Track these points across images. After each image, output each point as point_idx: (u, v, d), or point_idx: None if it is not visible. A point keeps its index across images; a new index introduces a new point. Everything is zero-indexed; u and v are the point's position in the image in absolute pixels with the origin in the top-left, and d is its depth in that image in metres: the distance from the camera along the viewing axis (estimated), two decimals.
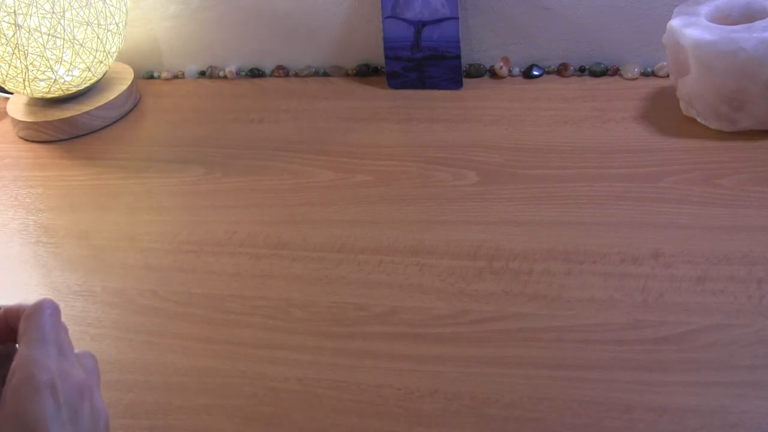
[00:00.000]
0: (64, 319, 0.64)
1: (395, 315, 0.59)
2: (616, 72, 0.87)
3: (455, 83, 0.89)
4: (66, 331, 0.44)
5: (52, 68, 0.87)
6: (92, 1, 0.87)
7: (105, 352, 0.60)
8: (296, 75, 0.99)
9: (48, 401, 0.40)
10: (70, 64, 0.88)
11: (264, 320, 0.61)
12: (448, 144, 0.79)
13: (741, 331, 0.54)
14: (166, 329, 0.61)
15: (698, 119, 0.76)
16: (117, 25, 0.91)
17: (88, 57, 0.88)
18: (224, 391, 0.55)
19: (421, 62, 0.89)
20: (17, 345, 0.42)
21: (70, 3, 0.85)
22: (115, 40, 0.91)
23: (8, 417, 0.39)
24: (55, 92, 0.91)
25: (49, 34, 0.84)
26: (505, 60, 0.91)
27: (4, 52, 0.85)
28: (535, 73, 0.89)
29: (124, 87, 0.95)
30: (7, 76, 0.88)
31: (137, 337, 0.61)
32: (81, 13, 0.86)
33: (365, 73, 0.96)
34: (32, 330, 0.43)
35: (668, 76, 0.83)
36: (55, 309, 0.44)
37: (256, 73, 1.00)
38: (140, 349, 0.60)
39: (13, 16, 0.83)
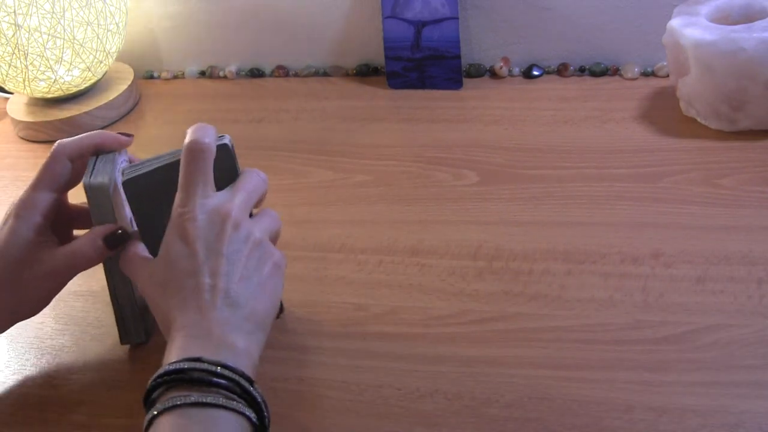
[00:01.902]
0: (63, 318, 0.64)
1: (395, 315, 0.59)
2: (616, 72, 0.87)
3: (455, 83, 0.89)
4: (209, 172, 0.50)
5: (52, 68, 0.87)
6: (92, 1, 0.87)
7: (105, 352, 0.60)
8: (296, 75, 0.99)
9: (188, 226, 0.48)
10: (70, 64, 0.88)
11: None
12: (448, 144, 0.79)
13: (741, 331, 0.54)
14: None
15: (698, 119, 0.76)
16: (117, 25, 0.91)
17: (88, 57, 0.88)
18: None
19: (421, 62, 0.89)
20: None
21: (70, 3, 0.85)
22: (115, 40, 0.91)
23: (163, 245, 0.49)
24: (55, 92, 0.91)
25: (49, 34, 0.84)
26: (505, 60, 0.91)
27: (4, 52, 0.85)
28: (535, 73, 0.89)
29: (124, 87, 0.95)
30: (7, 76, 0.88)
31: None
32: (81, 13, 0.86)
33: (365, 73, 0.96)
34: (182, 174, 0.50)
35: (668, 76, 0.83)
36: (204, 152, 0.50)
37: (256, 73, 1.00)
38: (140, 349, 0.60)
39: (13, 16, 0.83)
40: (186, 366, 0.43)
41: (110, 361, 0.59)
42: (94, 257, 0.54)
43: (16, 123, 0.93)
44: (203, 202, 0.49)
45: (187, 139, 0.50)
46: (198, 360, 0.43)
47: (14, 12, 0.82)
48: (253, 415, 0.43)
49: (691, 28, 0.72)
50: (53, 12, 0.84)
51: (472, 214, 0.69)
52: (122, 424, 0.54)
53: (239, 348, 0.45)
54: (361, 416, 0.52)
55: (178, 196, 0.50)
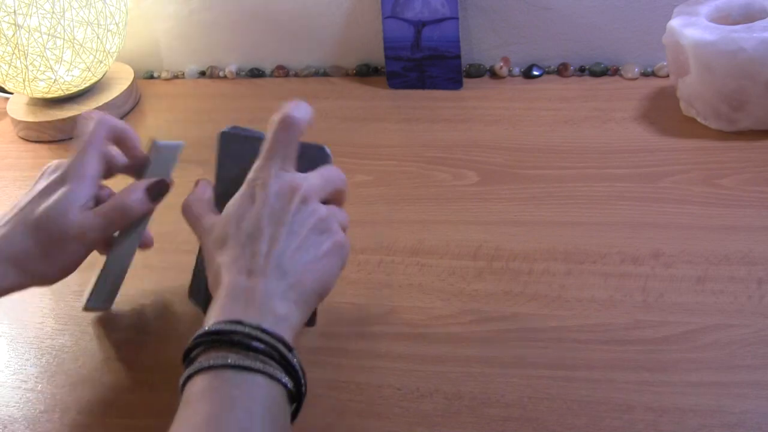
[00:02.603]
0: (63, 318, 0.64)
1: (395, 315, 0.59)
2: (616, 72, 0.87)
3: (455, 83, 0.89)
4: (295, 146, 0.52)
5: (52, 68, 0.87)
6: (92, 1, 0.87)
7: (105, 352, 0.60)
8: (296, 75, 0.99)
9: (259, 192, 0.49)
10: (70, 64, 0.88)
11: None
12: (448, 144, 0.79)
13: (741, 331, 0.54)
14: (166, 329, 0.61)
15: (698, 119, 0.76)
16: (117, 25, 0.91)
17: (88, 57, 0.88)
18: None
19: (421, 62, 0.89)
20: None
21: (70, 3, 0.85)
22: (115, 40, 0.91)
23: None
24: (55, 92, 0.91)
25: (49, 34, 0.84)
26: (505, 60, 0.91)
27: (4, 52, 0.85)
28: (535, 73, 0.89)
29: (124, 87, 0.95)
30: (7, 76, 0.88)
31: (137, 337, 0.61)
32: (81, 13, 0.86)
33: (365, 73, 0.96)
34: (266, 141, 0.52)
35: (668, 76, 0.83)
36: (292, 125, 0.51)
37: (256, 73, 1.00)
38: (140, 349, 0.60)
39: (13, 16, 0.83)
40: (226, 328, 0.43)
41: (110, 361, 0.59)
42: (136, 209, 0.56)
43: (16, 123, 0.93)
44: (279, 174, 0.50)
45: (281, 111, 0.52)
46: (238, 323, 0.43)
47: (14, 12, 0.82)
48: (289, 383, 0.43)
49: (691, 28, 0.72)
50: (53, 12, 0.84)
51: (472, 214, 0.69)
52: (123, 424, 0.54)
53: (280, 314, 0.45)
54: (361, 416, 0.52)
55: (257, 162, 0.51)
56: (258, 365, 0.42)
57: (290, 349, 0.44)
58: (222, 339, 0.43)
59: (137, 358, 0.59)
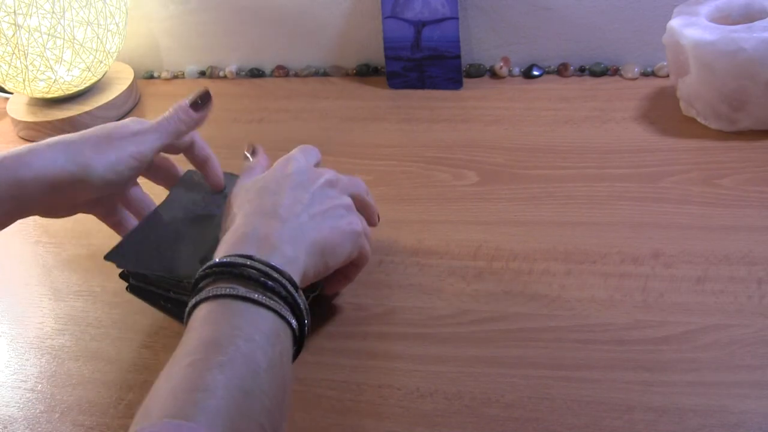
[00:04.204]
0: (63, 318, 0.64)
1: (395, 315, 0.59)
2: (616, 72, 0.87)
3: (455, 83, 0.89)
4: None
5: (52, 68, 0.87)
6: (92, 1, 0.87)
7: (105, 352, 0.60)
8: (296, 75, 0.99)
9: (292, 164, 0.55)
10: (70, 64, 0.88)
11: None
12: (448, 144, 0.79)
13: (741, 331, 0.54)
14: (166, 329, 0.61)
15: (698, 119, 0.76)
16: (117, 25, 0.91)
17: (88, 57, 0.88)
18: None
19: (421, 62, 0.89)
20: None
21: (70, 3, 0.85)
22: (115, 40, 0.91)
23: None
24: (55, 92, 0.91)
25: (49, 34, 0.84)
26: (505, 60, 0.91)
27: (4, 52, 0.85)
28: (535, 73, 0.89)
29: (124, 87, 0.95)
30: (7, 76, 0.88)
31: (137, 337, 0.61)
32: (81, 13, 0.86)
33: (365, 73, 0.96)
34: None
35: (668, 76, 0.83)
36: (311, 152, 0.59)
37: (256, 73, 1.00)
38: (140, 350, 0.60)
39: (13, 16, 0.83)
40: (237, 261, 0.44)
41: (110, 361, 0.59)
42: (181, 126, 0.59)
43: (16, 123, 0.93)
44: (311, 162, 0.57)
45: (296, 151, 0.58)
46: (249, 257, 0.44)
47: (14, 12, 0.82)
48: (293, 321, 0.44)
49: (691, 28, 0.72)
50: (53, 12, 0.84)
51: (472, 214, 0.69)
52: (122, 424, 0.53)
53: (289, 255, 0.47)
54: (361, 416, 0.52)
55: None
56: (265, 300, 0.43)
57: (297, 289, 0.45)
58: (232, 271, 0.44)
59: (137, 358, 0.59)
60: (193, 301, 0.44)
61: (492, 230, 0.66)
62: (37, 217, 0.78)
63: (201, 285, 0.45)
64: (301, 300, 0.45)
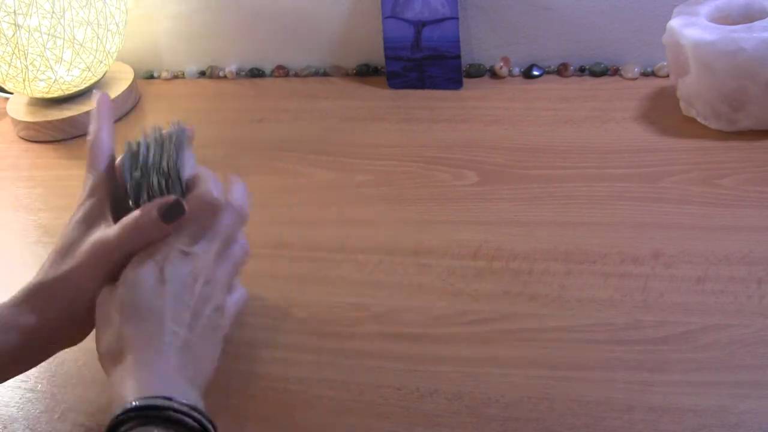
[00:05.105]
0: None
1: (395, 315, 0.59)
2: (616, 72, 0.87)
3: (455, 83, 0.89)
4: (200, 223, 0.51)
5: (52, 68, 0.87)
6: (92, 1, 0.87)
7: None
8: (296, 75, 0.99)
9: (149, 272, 0.49)
10: (70, 64, 0.88)
11: (264, 320, 0.61)
12: (448, 144, 0.79)
13: (741, 331, 0.54)
14: None
15: (698, 119, 0.76)
16: (117, 25, 0.91)
17: (88, 57, 0.88)
18: (224, 391, 0.55)
19: (421, 62, 0.89)
20: None
21: (70, 3, 0.85)
22: (115, 40, 0.91)
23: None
24: (55, 92, 0.91)
25: (49, 34, 0.84)
26: (505, 60, 0.91)
27: (4, 52, 0.85)
28: (535, 73, 0.89)
29: (124, 87, 0.95)
30: (7, 76, 0.88)
31: None
32: (81, 13, 0.86)
33: (365, 73, 0.96)
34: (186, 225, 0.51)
35: (668, 76, 0.83)
36: (213, 209, 0.52)
37: (256, 73, 1.00)
38: None
39: (13, 16, 0.83)
40: (160, 403, 0.43)
41: None
42: (151, 229, 0.50)
43: (16, 123, 0.93)
44: (186, 251, 0.50)
45: (206, 189, 0.52)
46: (169, 399, 0.43)
47: (14, 12, 0.82)
48: None
49: (691, 28, 0.72)
50: (53, 12, 0.84)
51: (472, 214, 0.69)
52: None
53: (196, 395, 0.46)
54: (361, 416, 0.52)
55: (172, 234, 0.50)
56: None
57: (215, 429, 0.44)
58: (159, 415, 0.42)
59: None
60: None
61: (492, 230, 0.66)
62: (37, 217, 0.78)
63: (122, 429, 0.42)
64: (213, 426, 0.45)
